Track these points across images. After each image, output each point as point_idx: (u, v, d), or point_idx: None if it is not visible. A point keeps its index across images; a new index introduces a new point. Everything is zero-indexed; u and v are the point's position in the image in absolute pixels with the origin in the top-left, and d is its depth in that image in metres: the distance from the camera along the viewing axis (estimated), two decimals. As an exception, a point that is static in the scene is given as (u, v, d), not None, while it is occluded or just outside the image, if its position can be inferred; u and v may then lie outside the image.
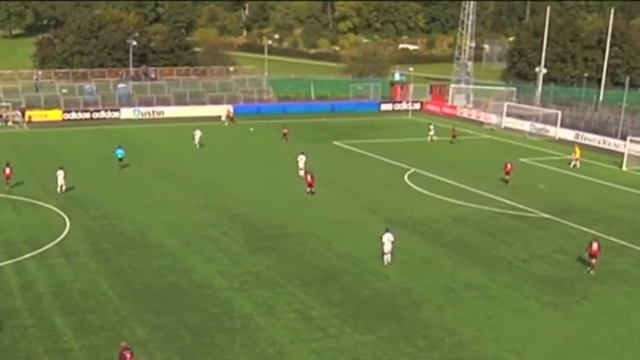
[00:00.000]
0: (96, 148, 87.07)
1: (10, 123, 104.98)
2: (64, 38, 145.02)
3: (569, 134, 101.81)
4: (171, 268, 48.72)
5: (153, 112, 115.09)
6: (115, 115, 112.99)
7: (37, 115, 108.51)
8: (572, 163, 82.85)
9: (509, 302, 44.54)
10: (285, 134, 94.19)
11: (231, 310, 42.34)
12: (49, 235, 54.43)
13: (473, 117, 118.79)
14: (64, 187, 66.81)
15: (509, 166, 73.80)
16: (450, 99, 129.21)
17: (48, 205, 62.70)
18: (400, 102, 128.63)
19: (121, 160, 76.82)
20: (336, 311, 42.49)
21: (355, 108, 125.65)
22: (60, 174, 66.79)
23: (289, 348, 38.10)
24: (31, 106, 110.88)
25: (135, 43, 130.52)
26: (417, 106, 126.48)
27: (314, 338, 39.16)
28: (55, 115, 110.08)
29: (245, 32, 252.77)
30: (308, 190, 67.92)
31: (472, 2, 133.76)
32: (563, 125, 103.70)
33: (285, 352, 37.67)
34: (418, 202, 66.73)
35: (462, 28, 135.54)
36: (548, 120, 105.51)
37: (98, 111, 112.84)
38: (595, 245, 49.31)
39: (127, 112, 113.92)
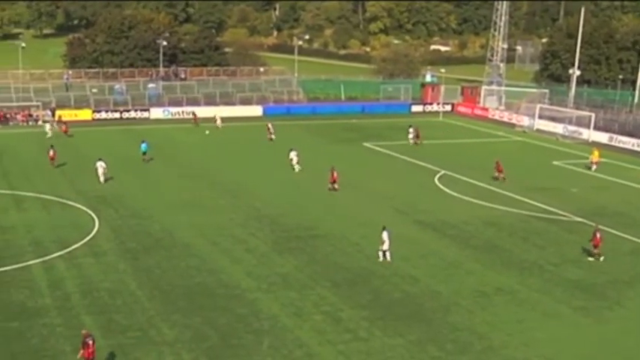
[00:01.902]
0: (125, 148, 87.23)
1: (40, 122, 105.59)
2: (94, 38, 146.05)
3: (602, 137, 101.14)
4: (199, 269, 48.79)
5: (182, 112, 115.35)
6: (145, 115, 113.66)
7: (67, 114, 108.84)
8: (593, 167, 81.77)
9: (540, 306, 44.17)
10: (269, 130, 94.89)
11: (259, 312, 42.29)
12: (78, 235, 54.74)
13: (505, 119, 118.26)
14: (102, 178, 70.10)
15: (500, 165, 74.42)
16: (481, 101, 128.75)
17: (77, 205, 63.08)
18: (431, 103, 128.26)
19: (144, 153, 79.43)
20: (364, 313, 42.37)
21: (386, 109, 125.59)
22: (100, 165, 70.25)
23: (317, 350, 38.00)
24: (61, 106, 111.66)
25: (165, 43, 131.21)
26: (448, 107, 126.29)
27: (342, 340, 39.04)
28: (85, 114, 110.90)
29: (275, 33, 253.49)
30: (330, 186, 68.65)
31: (505, 3, 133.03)
32: (596, 128, 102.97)
33: (312, 354, 37.57)
34: (448, 204, 66.49)
35: (495, 29, 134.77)
36: (581, 122, 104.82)
37: (128, 111, 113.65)
38: (598, 235, 51.36)
39: (156, 112, 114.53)
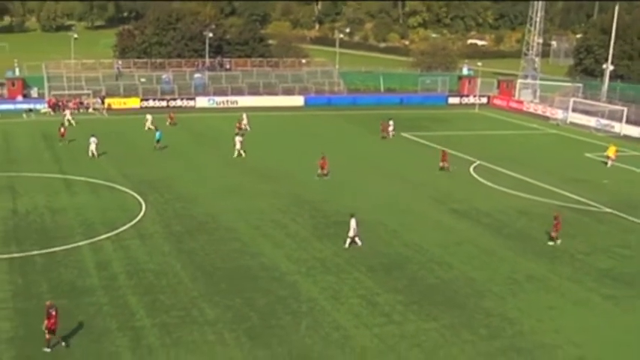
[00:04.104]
0: (171, 135, 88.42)
1: (90, 110, 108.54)
2: (143, 30, 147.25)
3: (634, 131, 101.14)
4: (241, 252, 49.72)
5: (227, 101, 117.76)
6: (191, 103, 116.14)
7: (116, 102, 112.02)
8: (609, 163, 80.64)
9: (570, 294, 44.48)
10: (239, 128, 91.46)
11: (298, 294, 43.06)
12: (125, 217, 56.04)
13: (539, 112, 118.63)
14: (95, 154, 76.22)
15: (445, 155, 75.20)
16: (516, 94, 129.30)
17: (124, 189, 64.49)
18: (467, 96, 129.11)
19: (158, 141, 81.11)
20: (400, 298, 42.96)
21: (423, 101, 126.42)
22: (92, 140, 75.61)
23: (353, 332, 38.69)
24: (110, 94, 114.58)
25: (211, 35, 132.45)
26: (484, 100, 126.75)
27: (377, 324, 39.76)
28: (134, 102, 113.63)
29: (317, 26, 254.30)
30: (319, 172, 70.06)
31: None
32: (628, 122, 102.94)
33: (349, 336, 38.27)
34: (483, 193, 66.84)
35: (531, 25, 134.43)
36: (613, 116, 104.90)
37: (174, 99, 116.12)
38: (559, 219, 52.80)
39: (202, 101, 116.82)
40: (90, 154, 75.97)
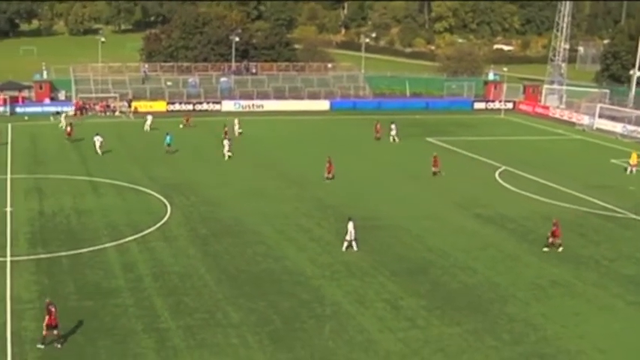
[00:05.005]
0: (197, 139, 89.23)
1: (117, 113, 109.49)
2: (170, 34, 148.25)
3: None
4: (266, 255, 50.01)
5: (253, 105, 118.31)
6: (217, 107, 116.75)
7: (142, 105, 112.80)
8: (629, 169, 79.63)
9: (595, 300, 44.45)
10: (226, 132, 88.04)
11: (322, 298, 43.26)
12: (151, 220, 56.57)
13: (565, 117, 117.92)
14: (99, 151, 78.89)
15: (437, 160, 74.87)
16: (542, 99, 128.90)
17: (150, 191, 65.04)
18: (493, 101, 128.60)
19: (169, 145, 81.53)
20: (423, 302, 43.10)
21: (449, 106, 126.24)
22: (97, 139, 79.70)
23: (377, 336, 38.89)
24: (137, 97, 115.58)
25: (237, 39, 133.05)
26: (510, 105, 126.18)
27: (401, 328, 39.92)
28: (160, 106, 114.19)
29: (343, 30, 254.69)
30: (327, 176, 70.61)
31: (568, 4, 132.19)
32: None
33: (373, 339, 38.48)
34: (508, 199, 66.79)
35: (557, 30, 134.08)
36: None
37: (201, 103, 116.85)
38: (557, 227, 52.79)
39: (228, 105, 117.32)
40: (97, 151, 78.36)
